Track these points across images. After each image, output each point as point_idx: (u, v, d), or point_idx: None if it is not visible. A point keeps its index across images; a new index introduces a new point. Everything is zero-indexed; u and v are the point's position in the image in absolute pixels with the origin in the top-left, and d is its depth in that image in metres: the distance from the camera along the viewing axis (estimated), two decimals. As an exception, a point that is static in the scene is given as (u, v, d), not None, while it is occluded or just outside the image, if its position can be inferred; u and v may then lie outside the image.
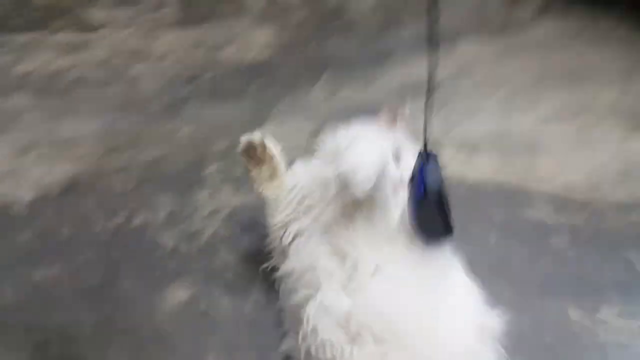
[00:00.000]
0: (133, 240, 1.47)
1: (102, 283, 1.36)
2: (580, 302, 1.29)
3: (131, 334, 1.23)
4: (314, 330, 1.01)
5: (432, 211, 0.97)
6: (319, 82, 2.13)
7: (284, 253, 1.17)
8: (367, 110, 1.92)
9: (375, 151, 1.07)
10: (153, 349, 1.20)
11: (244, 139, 1.25)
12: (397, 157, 1.13)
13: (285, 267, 1.15)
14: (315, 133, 1.72)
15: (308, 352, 1.02)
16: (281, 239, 1.17)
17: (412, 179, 0.98)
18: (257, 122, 1.91)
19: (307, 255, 1.10)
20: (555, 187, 1.63)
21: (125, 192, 1.64)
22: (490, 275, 1.32)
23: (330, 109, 2.01)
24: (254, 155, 1.24)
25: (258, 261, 1.30)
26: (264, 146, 1.23)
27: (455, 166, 1.71)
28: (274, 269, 1.23)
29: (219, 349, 1.20)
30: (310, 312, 1.03)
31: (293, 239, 1.15)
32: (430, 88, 0.94)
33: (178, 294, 1.32)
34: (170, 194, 1.61)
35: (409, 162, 1.02)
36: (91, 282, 1.36)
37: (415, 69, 2.17)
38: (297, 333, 1.05)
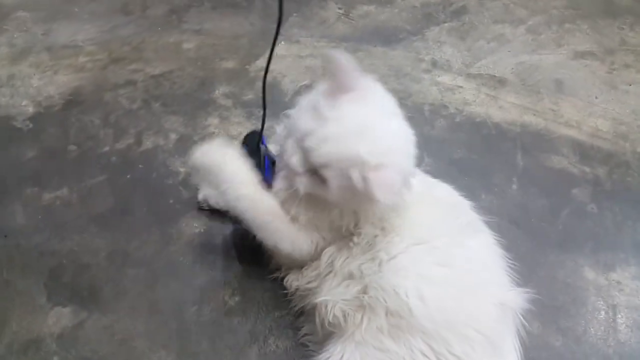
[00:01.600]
0: (144, 164, 1.41)
1: (113, 209, 1.31)
2: (596, 260, 1.29)
3: (146, 265, 1.21)
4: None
5: None
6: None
7: None
8: (385, 32, 1.82)
9: None
10: (168, 280, 1.19)
11: (195, 159, 1.04)
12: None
13: None
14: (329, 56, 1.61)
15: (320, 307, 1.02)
16: None
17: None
18: (266, 37, 1.79)
19: None
20: (581, 132, 1.58)
21: (133, 109, 1.55)
22: (510, 225, 1.33)
23: (347, 28, 1.88)
24: None
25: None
26: None
27: (480, 103, 1.64)
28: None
29: (234, 285, 1.19)
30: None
31: None
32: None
33: (192, 225, 1.28)
34: (180, 115, 1.53)
35: None
36: (102, 208, 1.31)
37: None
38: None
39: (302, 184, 0.96)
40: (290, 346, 1.11)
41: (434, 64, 1.76)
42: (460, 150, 1.50)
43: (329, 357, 0.95)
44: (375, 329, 0.94)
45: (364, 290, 0.97)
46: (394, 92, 0.99)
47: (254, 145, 1.13)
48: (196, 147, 1.03)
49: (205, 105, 1.57)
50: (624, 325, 1.19)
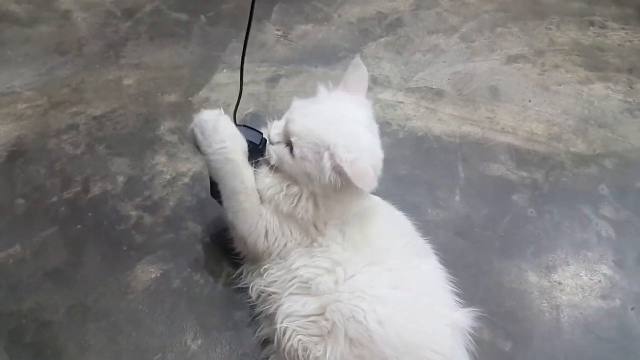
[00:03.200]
0: (93, 212, 1.41)
1: (68, 262, 1.31)
2: (538, 263, 1.37)
3: (106, 317, 1.22)
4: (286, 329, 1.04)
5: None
6: (271, 17, 1.99)
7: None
8: (324, 52, 1.86)
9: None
10: (130, 330, 1.20)
11: (197, 120, 1.12)
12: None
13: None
14: (274, 79, 1.65)
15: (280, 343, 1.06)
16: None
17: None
18: (207, 65, 1.80)
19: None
20: (517, 138, 1.66)
21: (77, 155, 1.54)
22: (455, 237, 1.39)
23: (286, 50, 1.90)
24: None
25: (225, 238, 1.28)
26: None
27: (421, 117, 1.70)
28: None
29: (196, 328, 1.21)
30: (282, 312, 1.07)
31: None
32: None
33: (148, 271, 1.30)
34: (126, 157, 1.53)
35: None
36: (56, 262, 1.31)
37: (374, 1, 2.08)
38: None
39: (275, 153, 1.09)
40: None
41: (374, 80, 1.81)
42: (405, 166, 1.56)
43: None
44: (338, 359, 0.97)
45: (322, 311, 1.01)
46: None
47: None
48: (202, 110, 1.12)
49: (151, 144, 1.57)
50: (567, 323, 1.27)
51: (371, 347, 0.96)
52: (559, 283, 1.34)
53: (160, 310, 1.24)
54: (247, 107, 1.67)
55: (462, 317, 1.04)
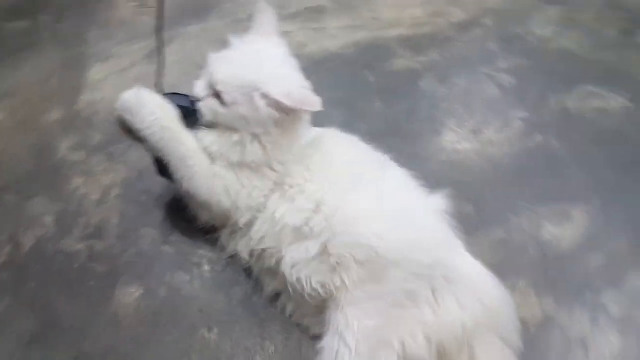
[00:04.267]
0: (38, 264, 1.29)
1: (43, 324, 1.21)
2: (466, 131, 1.50)
3: (113, 353, 1.16)
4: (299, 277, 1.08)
5: None
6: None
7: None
8: (193, 5, 1.74)
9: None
10: (143, 353, 1.15)
11: (120, 103, 1.12)
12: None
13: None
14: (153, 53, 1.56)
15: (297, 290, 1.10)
16: None
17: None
18: (75, 66, 1.64)
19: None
20: (404, 27, 1.73)
21: (-13, 211, 1.38)
22: (390, 138, 1.46)
23: (151, 18, 1.75)
24: None
25: (188, 227, 1.26)
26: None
27: (313, 40, 1.71)
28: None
29: (206, 320, 1.19)
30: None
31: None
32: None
33: (129, 293, 1.23)
34: (41, 195, 1.39)
35: None
36: (31, 329, 1.20)
37: None
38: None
39: (207, 108, 1.11)
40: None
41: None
42: (318, 93, 1.56)
43: (337, 329, 1.02)
44: (356, 282, 1.03)
45: (325, 251, 1.06)
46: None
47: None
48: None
49: (59, 170, 1.44)
50: (506, 170, 1.43)
51: (380, 260, 1.03)
52: (490, 141, 1.48)
53: (163, 321, 1.20)
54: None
55: (437, 201, 1.14)
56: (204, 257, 1.27)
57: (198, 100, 1.12)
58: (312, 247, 1.07)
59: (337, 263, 1.05)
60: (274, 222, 1.12)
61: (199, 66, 1.56)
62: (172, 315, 1.19)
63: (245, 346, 1.15)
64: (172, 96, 1.15)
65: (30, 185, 1.41)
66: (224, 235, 1.23)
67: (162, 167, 1.15)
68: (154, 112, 1.09)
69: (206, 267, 1.26)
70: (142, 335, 1.18)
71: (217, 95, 1.09)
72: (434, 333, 1.00)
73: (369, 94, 1.58)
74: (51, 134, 1.50)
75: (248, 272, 1.22)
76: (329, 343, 1.03)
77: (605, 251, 1.29)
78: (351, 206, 1.08)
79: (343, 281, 1.04)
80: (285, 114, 1.07)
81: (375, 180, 1.13)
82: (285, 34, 1.66)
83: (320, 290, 1.07)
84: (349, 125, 1.26)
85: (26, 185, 1.41)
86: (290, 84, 1.10)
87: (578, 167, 1.44)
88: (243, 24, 1.71)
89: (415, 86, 1.60)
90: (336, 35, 1.71)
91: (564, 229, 1.33)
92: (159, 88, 1.16)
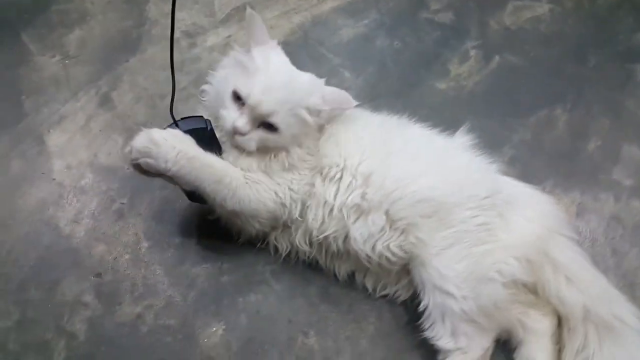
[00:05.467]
0: (104, 345, 1.18)
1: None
2: (436, 74, 1.61)
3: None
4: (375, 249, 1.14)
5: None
6: (32, 50, 1.67)
7: None
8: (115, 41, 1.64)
9: None
10: None
11: (135, 152, 1.06)
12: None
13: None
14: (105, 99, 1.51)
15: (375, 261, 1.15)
16: None
17: None
18: (33, 140, 1.49)
19: None
20: (333, 0, 1.77)
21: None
22: (372, 103, 1.51)
23: (82, 66, 1.65)
24: None
25: (231, 248, 1.26)
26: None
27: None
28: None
29: (309, 328, 1.21)
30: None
31: None
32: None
33: (213, 333, 1.19)
34: (66, 277, 1.26)
35: None
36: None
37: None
38: None
39: (253, 140, 1.10)
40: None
41: (190, 34, 1.70)
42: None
43: (433, 284, 1.09)
44: (432, 234, 1.10)
45: (390, 218, 1.11)
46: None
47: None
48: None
49: (73, 247, 1.31)
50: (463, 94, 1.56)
51: (443, 207, 1.11)
52: (458, 75, 1.60)
53: (257, 346, 1.17)
54: (116, 143, 1.47)
55: (462, 139, 1.22)
56: (264, 272, 1.27)
57: (238, 133, 1.09)
58: (378, 219, 1.12)
59: (407, 224, 1.11)
60: (327, 206, 1.15)
61: (160, 96, 1.52)
62: (264, 336, 1.19)
63: (345, 336, 1.18)
64: (186, 121, 1.11)
65: (48, 273, 1.29)
66: (276, 237, 1.23)
67: (191, 193, 1.14)
68: (174, 147, 1.05)
69: (272, 280, 1.26)
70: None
71: (265, 124, 1.08)
72: (518, 251, 1.10)
73: (334, 69, 1.61)
74: (42, 217, 1.37)
75: (313, 267, 1.24)
76: (431, 300, 1.09)
77: (595, 134, 1.46)
78: (396, 169, 1.13)
79: (419, 238, 1.10)
80: (326, 118, 1.12)
81: (405, 140, 1.19)
82: (226, 41, 1.68)
83: (401, 254, 1.12)
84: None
85: (44, 275, 1.29)
86: (317, 86, 1.14)
87: (541, 72, 1.60)
88: (179, 43, 1.67)
89: (373, 48, 1.66)
90: (276, 25, 1.71)
91: (556, 130, 1.48)
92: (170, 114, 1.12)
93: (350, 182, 1.13)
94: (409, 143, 1.19)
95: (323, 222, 1.16)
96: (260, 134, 1.09)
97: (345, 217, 1.13)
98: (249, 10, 1.12)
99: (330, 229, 1.15)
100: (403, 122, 1.25)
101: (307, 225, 1.17)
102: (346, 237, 1.15)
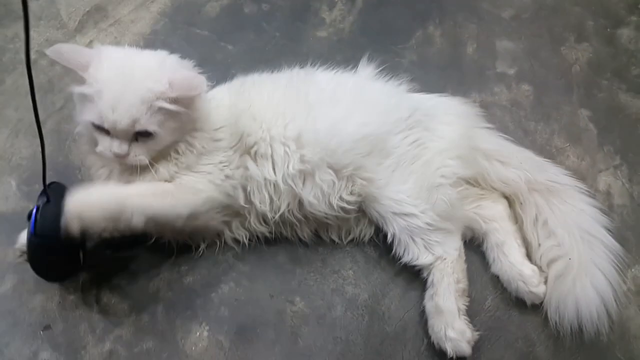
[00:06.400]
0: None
1: None
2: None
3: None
4: None
5: (42, 253, 1.04)
6: None
7: None
8: None
9: None
10: None
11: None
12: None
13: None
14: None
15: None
16: None
17: (29, 216, 1.04)
18: None
19: None
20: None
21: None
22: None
23: None
24: None
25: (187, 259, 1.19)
26: None
27: (121, 33, 1.59)
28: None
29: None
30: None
31: None
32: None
33: (196, 336, 1.12)
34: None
35: None
36: None
37: None
38: None
39: (140, 154, 1.03)
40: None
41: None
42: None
43: (392, 213, 1.12)
44: (375, 169, 1.13)
45: (335, 169, 1.12)
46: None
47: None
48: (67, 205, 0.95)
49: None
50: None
51: (377, 139, 1.14)
52: (333, 20, 1.64)
53: (251, 333, 1.13)
54: (10, 186, 1.29)
55: (366, 70, 1.26)
56: (227, 259, 1.21)
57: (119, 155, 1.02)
58: (325, 175, 1.12)
59: (353, 169, 1.13)
60: (270, 183, 1.13)
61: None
62: (252, 321, 1.15)
63: (330, 289, 1.18)
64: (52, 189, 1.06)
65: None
66: (231, 229, 1.18)
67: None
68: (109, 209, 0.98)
69: (238, 263, 1.21)
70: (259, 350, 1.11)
71: (139, 134, 1.00)
72: (451, 152, 1.18)
73: (213, 44, 1.57)
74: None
75: (276, 240, 1.21)
76: (395, 227, 1.13)
77: (469, 39, 1.60)
78: (323, 120, 1.14)
79: (365, 178, 1.13)
80: (187, 102, 1.03)
81: (318, 89, 1.19)
82: (90, 45, 1.54)
83: (354, 199, 1.14)
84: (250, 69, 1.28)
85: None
86: (166, 72, 1.02)
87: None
88: (37, 63, 1.50)
89: (244, 15, 1.64)
90: (137, 19, 1.60)
91: (435, 45, 1.58)
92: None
93: (285, 151, 1.12)
94: (324, 91, 1.19)
95: (272, 200, 1.13)
96: (143, 145, 1.02)
97: (294, 186, 1.12)
98: (49, 51, 0.98)
99: (283, 205, 1.14)
100: (308, 72, 1.25)
101: (257, 210, 1.14)
102: (300, 204, 1.14)
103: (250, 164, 1.12)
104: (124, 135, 1.00)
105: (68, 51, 0.98)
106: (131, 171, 1.06)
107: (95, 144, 1.04)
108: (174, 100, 1.00)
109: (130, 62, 1.03)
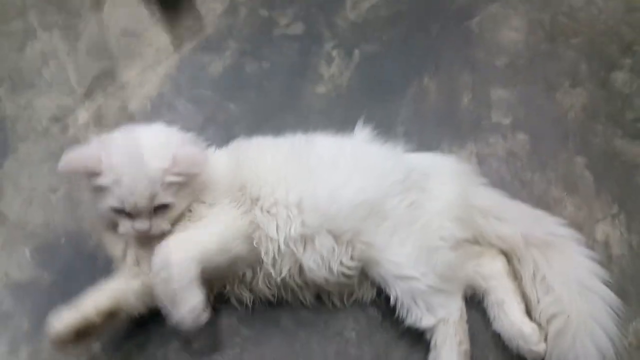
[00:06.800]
0: None
1: None
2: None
3: None
4: None
5: None
6: None
7: None
8: None
9: None
10: None
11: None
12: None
13: None
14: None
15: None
16: None
17: None
18: None
19: None
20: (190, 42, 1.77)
21: None
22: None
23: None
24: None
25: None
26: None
27: (129, 98, 1.66)
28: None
29: None
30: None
31: None
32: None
33: None
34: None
35: None
36: None
37: None
38: None
39: (161, 225, 1.11)
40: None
41: (59, 119, 1.59)
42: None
43: (394, 276, 1.15)
44: (374, 232, 1.16)
45: (335, 235, 1.15)
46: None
47: None
48: None
49: None
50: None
51: (375, 204, 1.17)
52: (331, 76, 1.69)
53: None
54: (23, 254, 1.35)
55: (362, 133, 1.31)
56: (231, 324, 1.25)
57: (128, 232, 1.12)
58: (325, 240, 1.16)
59: (352, 234, 1.16)
60: (274, 242, 1.16)
61: (51, 190, 1.42)
62: None
63: (333, 351, 1.21)
64: None
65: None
66: (235, 289, 1.22)
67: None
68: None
69: (242, 328, 1.24)
70: None
71: (157, 208, 1.10)
72: (448, 214, 1.20)
73: (216, 105, 1.62)
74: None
75: (279, 303, 1.24)
76: (397, 290, 1.15)
77: (464, 90, 1.62)
78: (322, 187, 1.18)
79: (365, 242, 1.16)
80: (191, 177, 1.13)
81: (317, 155, 1.23)
82: (98, 111, 1.60)
83: (354, 264, 1.17)
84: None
85: None
86: (170, 148, 1.12)
87: (397, 51, 1.71)
88: (49, 131, 1.56)
89: (245, 74, 1.69)
90: (143, 81, 1.67)
91: (430, 97, 1.62)
92: None
93: (287, 214, 1.16)
94: (323, 157, 1.23)
95: (275, 260, 1.17)
96: (162, 215, 1.11)
97: (295, 250, 1.15)
98: (59, 167, 1.10)
99: (284, 269, 1.17)
100: (309, 139, 1.29)
101: (265, 268, 1.18)
102: (301, 270, 1.17)
103: (258, 213, 1.17)
104: (144, 213, 1.08)
105: (76, 159, 1.10)
106: (150, 239, 1.12)
107: (112, 225, 1.12)
108: (180, 173, 1.10)
109: (136, 143, 1.12)
